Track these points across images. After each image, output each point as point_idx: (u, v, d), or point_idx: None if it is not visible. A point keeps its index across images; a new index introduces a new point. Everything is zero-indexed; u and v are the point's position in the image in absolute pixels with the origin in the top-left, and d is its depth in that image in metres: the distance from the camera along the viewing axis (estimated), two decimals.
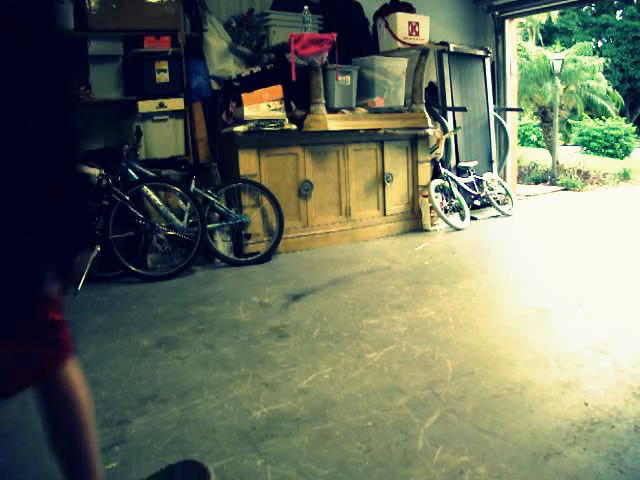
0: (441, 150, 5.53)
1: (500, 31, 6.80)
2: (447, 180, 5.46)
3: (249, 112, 4.27)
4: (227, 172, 4.45)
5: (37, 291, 1.04)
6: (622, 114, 16.79)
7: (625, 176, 10.02)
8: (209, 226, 4.11)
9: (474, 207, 6.05)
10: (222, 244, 4.27)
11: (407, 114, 5.05)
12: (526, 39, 15.83)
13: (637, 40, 21.63)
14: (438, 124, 5.66)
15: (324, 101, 4.49)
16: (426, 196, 5.26)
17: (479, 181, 5.98)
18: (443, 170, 5.47)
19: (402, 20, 4.85)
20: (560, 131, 14.40)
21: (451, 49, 5.87)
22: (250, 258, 4.24)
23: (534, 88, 12.32)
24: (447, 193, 5.47)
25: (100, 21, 4.01)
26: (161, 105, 4.24)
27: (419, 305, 3.05)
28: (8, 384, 1.06)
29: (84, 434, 1.14)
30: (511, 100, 6.98)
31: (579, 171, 9.94)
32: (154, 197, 3.96)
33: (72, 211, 1.03)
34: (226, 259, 4.19)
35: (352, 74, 4.74)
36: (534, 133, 16.29)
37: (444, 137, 5.55)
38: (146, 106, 4.19)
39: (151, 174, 4.05)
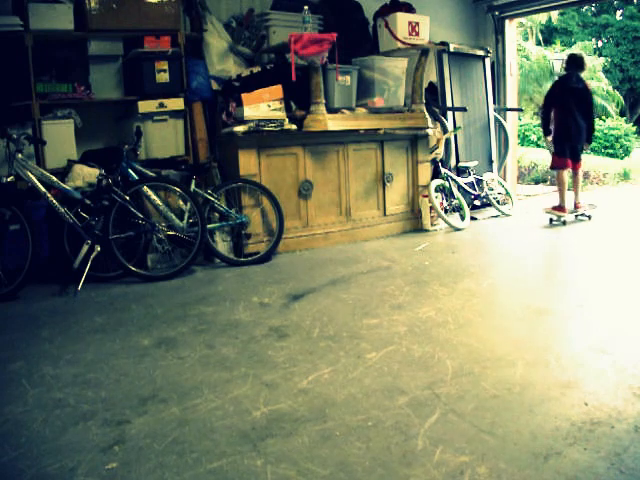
0: (441, 150, 5.52)
1: (500, 31, 6.80)
2: (447, 180, 5.46)
3: (249, 112, 4.27)
4: (227, 172, 4.45)
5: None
6: (622, 114, 16.77)
7: (625, 176, 10.00)
8: (209, 226, 4.11)
9: (474, 207, 6.04)
10: (222, 244, 4.27)
11: (407, 114, 5.05)
12: (526, 39, 15.83)
13: (637, 40, 21.59)
14: (438, 124, 5.66)
15: (324, 101, 4.49)
16: (426, 196, 5.26)
17: (479, 181, 5.98)
18: (443, 170, 5.46)
19: (402, 20, 4.85)
20: None
21: (451, 49, 5.86)
22: (250, 258, 4.24)
23: (534, 88, 12.33)
24: (447, 193, 5.47)
25: (100, 21, 4.01)
26: (161, 105, 4.24)
27: (419, 305, 3.05)
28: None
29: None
30: (511, 100, 6.98)
31: None
32: (154, 197, 3.96)
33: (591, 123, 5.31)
34: (226, 259, 4.19)
35: (352, 74, 4.74)
36: (534, 133, 16.24)
37: (444, 137, 5.55)
38: (146, 106, 4.19)
39: (151, 174, 4.05)
